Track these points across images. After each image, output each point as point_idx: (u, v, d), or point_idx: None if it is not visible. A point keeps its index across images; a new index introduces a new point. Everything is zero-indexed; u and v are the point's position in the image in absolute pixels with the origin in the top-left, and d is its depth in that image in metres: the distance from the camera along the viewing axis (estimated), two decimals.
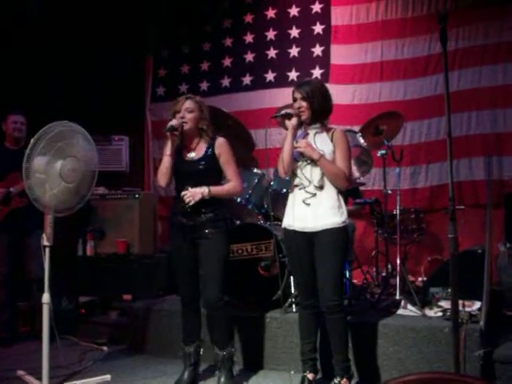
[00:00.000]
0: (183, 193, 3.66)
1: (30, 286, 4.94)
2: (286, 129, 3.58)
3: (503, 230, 4.90)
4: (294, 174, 3.57)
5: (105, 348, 4.78)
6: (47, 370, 3.58)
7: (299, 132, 3.61)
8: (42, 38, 6.44)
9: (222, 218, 3.81)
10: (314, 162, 3.50)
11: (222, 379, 3.74)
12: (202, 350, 3.95)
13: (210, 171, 3.78)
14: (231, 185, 3.81)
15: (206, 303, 3.76)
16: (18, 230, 4.87)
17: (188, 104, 3.78)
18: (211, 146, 3.80)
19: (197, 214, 3.70)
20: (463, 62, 6.17)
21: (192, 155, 3.82)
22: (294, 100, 3.57)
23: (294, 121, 3.50)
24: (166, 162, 3.75)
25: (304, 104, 3.51)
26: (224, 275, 3.73)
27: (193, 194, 3.64)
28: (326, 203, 3.49)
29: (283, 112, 3.55)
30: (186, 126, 3.75)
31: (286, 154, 3.49)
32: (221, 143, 3.81)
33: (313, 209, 3.49)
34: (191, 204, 3.63)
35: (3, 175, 4.86)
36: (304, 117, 3.53)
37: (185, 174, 3.79)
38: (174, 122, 3.70)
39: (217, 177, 3.85)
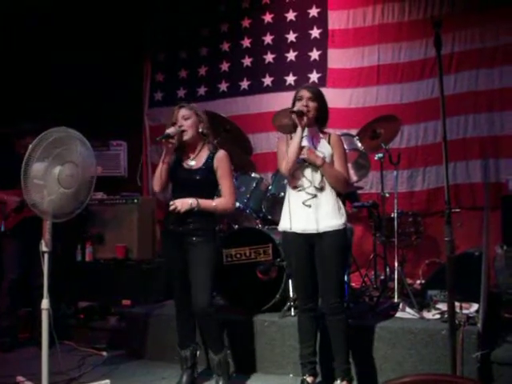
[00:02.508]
0: (171, 202, 3.69)
1: (34, 292, 4.94)
2: (284, 132, 3.59)
3: (500, 232, 4.91)
4: (292, 176, 3.58)
5: (104, 353, 4.79)
6: (46, 376, 3.58)
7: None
8: (40, 42, 6.45)
9: (210, 228, 3.81)
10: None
11: (220, 383, 3.76)
12: (198, 352, 3.98)
13: (205, 182, 3.79)
14: (221, 201, 3.80)
15: (196, 310, 3.74)
16: (29, 237, 4.85)
17: (183, 112, 3.80)
18: (211, 157, 3.81)
19: (185, 221, 3.71)
20: (460, 65, 6.19)
21: (192, 163, 3.83)
22: (299, 99, 3.57)
23: (305, 119, 3.50)
24: (161, 169, 3.76)
25: (312, 104, 3.54)
26: (212, 282, 3.74)
27: (181, 204, 3.66)
28: (326, 205, 3.51)
29: (297, 109, 3.50)
30: (187, 136, 3.77)
31: (293, 152, 3.47)
32: (221, 157, 3.81)
33: (314, 210, 3.50)
34: (180, 211, 3.65)
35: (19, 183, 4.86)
36: (310, 116, 3.53)
37: (181, 181, 3.81)
38: (170, 130, 3.71)
39: (212, 188, 3.86)
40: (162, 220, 5.83)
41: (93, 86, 6.91)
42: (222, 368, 3.78)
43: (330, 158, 3.56)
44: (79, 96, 6.78)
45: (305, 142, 3.56)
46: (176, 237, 3.78)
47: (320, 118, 3.62)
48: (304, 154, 3.50)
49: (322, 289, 3.53)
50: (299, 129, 3.48)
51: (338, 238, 3.51)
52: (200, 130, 3.83)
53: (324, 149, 3.57)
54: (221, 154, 3.83)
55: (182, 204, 3.66)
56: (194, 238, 3.72)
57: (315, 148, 3.56)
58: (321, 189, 3.52)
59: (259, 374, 4.19)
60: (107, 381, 3.92)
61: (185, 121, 3.77)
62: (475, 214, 5.66)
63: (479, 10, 6.14)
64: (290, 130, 3.62)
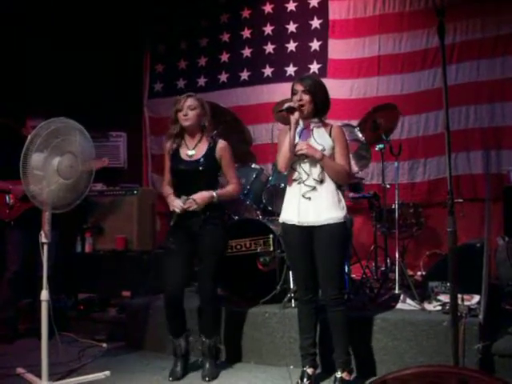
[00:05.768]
0: (188, 201, 3.72)
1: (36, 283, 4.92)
2: (284, 123, 3.57)
3: (502, 223, 4.89)
4: (291, 169, 3.57)
5: (104, 345, 4.78)
6: (46, 367, 3.59)
7: (298, 127, 3.57)
8: (39, 32, 6.41)
9: (219, 215, 3.95)
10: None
11: (207, 366, 3.89)
12: (191, 338, 4.06)
13: (208, 172, 3.87)
14: (232, 187, 3.94)
15: (201, 294, 3.90)
16: (33, 228, 4.82)
17: (190, 102, 3.85)
18: (212, 147, 3.88)
19: (196, 212, 3.77)
20: (461, 55, 6.16)
21: (192, 153, 3.88)
22: (295, 93, 3.55)
23: (296, 115, 3.48)
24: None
25: (306, 97, 3.50)
26: (218, 269, 3.87)
27: (201, 199, 3.71)
28: (326, 197, 3.49)
29: (287, 106, 3.50)
30: (187, 123, 3.83)
31: (287, 149, 3.47)
32: (222, 147, 3.91)
33: (314, 203, 3.48)
34: (198, 209, 3.73)
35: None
36: (305, 110, 3.51)
37: (183, 172, 3.86)
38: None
39: (214, 176, 3.97)
40: (163, 212, 5.86)
41: (93, 76, 6.88)
42: (211, 352, 3.92)
43: (331, 151, 3.53)
44: (79, 87, 6.74)
45: (303, 136, 3.56)
46: (186, 227, 3.83)
47: (318, 109, 3.58)
48: (303, 150, 3.47)
49: (322, 281, 3.52)
50: (292, 126, 3.47)
51: (338, 230, 3.48)
52: (202, 124, 3.89)
53: (324, 141, 3.53)
54: (222, 143, 3.93)
55: (202, 199, 3.73)
56: (205, 226, 3.81)
57: (314, 140, 3.54)
58: (320, 181, 3.50)
59: (260, 366, 4.18)
60: (107, 372, 3.91)
61: (190, 111, 3.82)
62: (476, 206, 5.65)
63: (479, 0, 6.10)
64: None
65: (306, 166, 3.52)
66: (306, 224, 3.50)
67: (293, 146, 3.46)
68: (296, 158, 3.51)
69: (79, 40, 6.80)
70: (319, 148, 3.49)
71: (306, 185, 3.51)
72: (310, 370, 3.65)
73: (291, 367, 3.91)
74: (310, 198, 3.49)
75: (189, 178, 3.84)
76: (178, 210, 3.76)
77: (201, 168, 3.82)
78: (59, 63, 6.55)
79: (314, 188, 3.49)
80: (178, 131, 3.92)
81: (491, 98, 6.01)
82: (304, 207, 3.50)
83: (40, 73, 6.31)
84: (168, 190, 3.96)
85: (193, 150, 3.88)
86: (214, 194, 3.79)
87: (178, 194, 3.85)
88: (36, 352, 3.75)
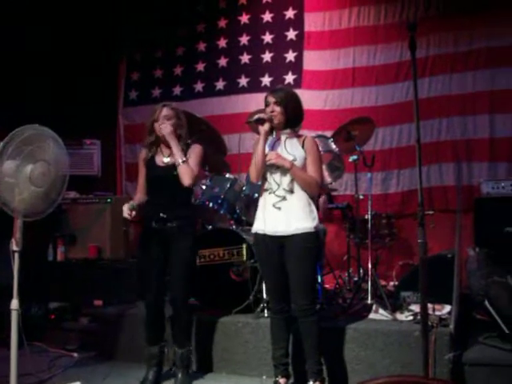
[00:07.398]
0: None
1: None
2: (259, 134, 3.59)
3: (472, 234, 4.95)
4: (263, 178, 3.60)
5: (75, 354, 4.72)
6: (15, 378, 3.52)
7: (270, 138, 3.62)
8: (14, 37, 6.35)
9: (191, 224, 3.96)
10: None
11: (179, 376, 3.88)
12: (166, 350, 4.05)
13: None
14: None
15: (173, 304, 3.89)
16: None
17: (166, 111, 3.88)
18: (185, 151, 3.88)
19: (167, 219, 3.80)
20: (434, 69, 6.26)
21: (167, 160, 3.90)
22: (267, 104, 3.59)
23: (266, 126, 3.53)
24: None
25: (277, 109, 3.54)
26: (190, 278, 3.89)
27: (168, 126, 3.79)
28: (296, 207, 3.50)
29: (256, 117, 3.57)
30: (165, 132, 3.85)
31: (258, 160, 3.50)
32: (194, 148, 3.93)
33: (284, 213, 3.50)
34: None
35: None
36: (276, 121, 3.55)
37: (159, 178, 3.86)
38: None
39: None
40: (135, 221, 5.81)
41: (67, 83, 6.83)
42: (183, 362, 3.91)
43: (303, 161, 3.56)
44: (53, 94, 6.69)
45: (275, 147, 3.60)
46: (157, 235, 3.83)
47: (290, 121, 3.61)
48: (272, 160, 3.50)
49: (292, 291, 3.52)
50: (261, 136, 3.52)
51: (308, 241, 3.49)
52: (178, 133, 3.90)
53: (295, 151, 3.56)
54: (196, 146, 3.96)
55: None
56: (176, 235, 3.81)
57: (285, 150, 3.56)
58: (290, 191, 3.52)
59: (232, 376, 4.17)
60: (78, 383, 3.87)
61: (167, 120, 3.85)
62: (448, 217, 5.72)
63: (453, 15, 6.21)
64: None
65: (276, 177, 3.54)
66: (276, 234, 3.52)
67: (263, 156, 3.49)
68: (267, 168, 3.54)
69: (54, 46, 6.75)
70: (290, 158, 3.51)
71: (276, 195, 3.53)
72: (282, 380, 3.65)
73: (264, 377, 3.90)
74: (279, 208, 3.51)
75: (164, 184, 3.85)
76: (124, 215, 3.75)
77: (175, 173, 3.81)
78: (32, 69, 6.49)
79: (284, 198, 3.51)
80: (154, 140, 3.94)
81: (463, 111, 6.11)
82: (274, 217, 3.52)
83: (13, 78, 6.24)
84: (136, 199, 3.95)
85: (168, 158, 3.90)
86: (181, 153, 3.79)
87: (153, 201, 3.88)
88: (4, 362, 3.68)
